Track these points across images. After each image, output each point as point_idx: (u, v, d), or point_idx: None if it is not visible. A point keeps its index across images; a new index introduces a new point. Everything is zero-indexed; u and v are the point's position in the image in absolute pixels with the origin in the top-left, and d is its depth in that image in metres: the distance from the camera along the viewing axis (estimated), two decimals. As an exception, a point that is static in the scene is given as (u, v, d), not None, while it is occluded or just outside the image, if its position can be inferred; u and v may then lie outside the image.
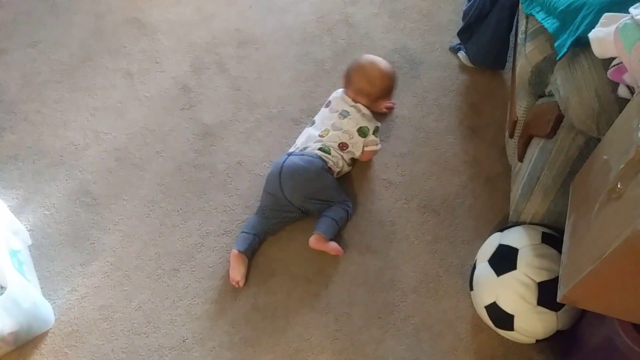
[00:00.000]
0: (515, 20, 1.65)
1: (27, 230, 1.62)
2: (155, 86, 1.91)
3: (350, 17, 2.02)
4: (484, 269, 1.33)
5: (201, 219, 1.64)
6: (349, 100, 1.65)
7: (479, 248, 1.42)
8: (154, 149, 1.78)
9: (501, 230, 1.41)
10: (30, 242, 1.61)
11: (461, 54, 1.86)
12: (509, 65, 1.82)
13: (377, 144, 1.66)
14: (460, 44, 1.86)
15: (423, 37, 1.95)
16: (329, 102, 1.69)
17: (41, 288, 1.53)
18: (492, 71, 1.84)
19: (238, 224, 1.61)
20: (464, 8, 1.79)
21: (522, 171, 1.41)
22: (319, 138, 1.61)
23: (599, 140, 1.07)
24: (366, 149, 1.64)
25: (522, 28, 1.40)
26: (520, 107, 1.44)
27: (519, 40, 1.42)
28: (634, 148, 0.79)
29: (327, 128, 1.62)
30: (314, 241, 1.50)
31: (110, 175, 1.74)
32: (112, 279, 1.55)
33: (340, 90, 1.71)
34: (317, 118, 1.67)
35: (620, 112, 0.97)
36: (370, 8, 2.04)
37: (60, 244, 1.62)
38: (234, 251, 1.51)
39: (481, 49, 1.75)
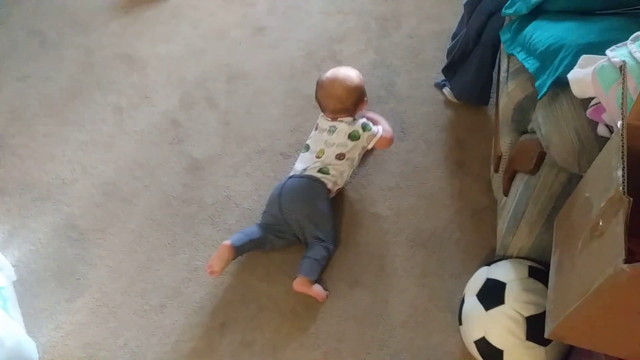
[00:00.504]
0: (497, 58, 1.70)
1: (12, 266, 1.60)
2: (144, 120, 1.93)
3: (338, 54, 2.06)
4: (472, 304, 1.34)
5: (189, 254, 1.63)
6: (330, 119, 1.68)
7: (467, 282, 1.43)
8: (142, 183, 1.78)
9: (488, 264, 1.42)
10: (15, 278, 1.59)
11: (446, 90, 1.91)
12: (492, 100, 1.86)
13: (375, 134, 1.67)
14: (445, 80, 1.91)
15: (409, 74, 1.99)
16: (317, 124, 1.71)
17: (25, 325, 1.50)
18: (477, 107, 1.88)
19: (226, 259, 1.61)
20: (448, 46, 1.84)
21: (508, 205, 1.43)
22: (316, 159, 1.64)
23: (581, 176, 1.10)
24: (369, 145, 1.68)
25: (504, 67, 1.45)
26: (504, 143, 1.47)
27: (501, 79, 1.46)
28: (614, 187, 0.82)
29: (322, 148, 1.65)
30: (298, 284, 1.50)
31: (98, 209, 1.73)
32: (97, 316, 1.53)
33: (322, 115, 1.73)
34: (310, 142, 1.70)
35: (600, 151, 0.99)
36: (357, 45, 2.09)
37: (45, 279, 1.60)
38: (226, 242, 1.50)
39: (465, 86, 1.79)
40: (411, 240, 1.63)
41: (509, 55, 1.41)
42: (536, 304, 1.24)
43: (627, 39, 1.03)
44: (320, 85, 1.68)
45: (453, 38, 1.80)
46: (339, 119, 1.66)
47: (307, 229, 1.56)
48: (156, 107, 1.96)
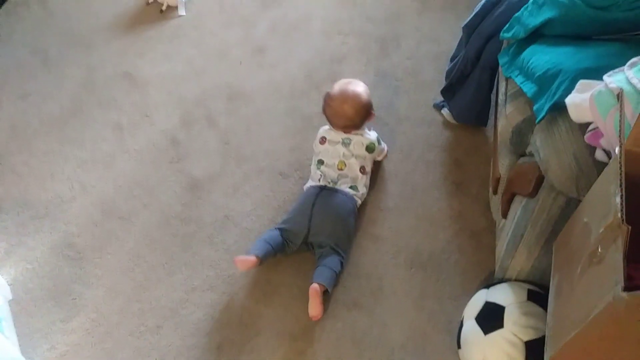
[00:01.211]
0: (496, 80, 1.71)
1: (8, 285, 1.59)
2: (144, 139, 1.93)
3: (338, 74, 2.07)
4: (471, 327, 1.33)
5: (186, 274, 1.62)
6: (341, 132, 1.70)
7: (465, 304, 1.42)
8: (141, 201, 1.78)
9: (487, 286, 1.41)
10: (10, 297, 1.58)
11: (445, 111, 1.92)
12: (491, 122, 1.87)
13: (384, 149, 1.78)
14: (443, 101, 1.92)
15: (408, 95, 2.00)
16: (324, 138, 1.72)
17: (20, 345, 1.49)
18: (475, 128, 1.89)
19: (224, 279, 1.60)
20: (446, 68, 1.85)
21: (507, 228, 1.43)
22: (340, 172, 1.67)
23: (579, 201, 1.10)
24: (378, 158, 1.77)
25: (502, 89, 1.46)
26: (503, 165, 1.47)
27: (499, 101, 1.47)
28: (612, 213, 0.82)
29: (341, 159, 1.67)
30: (316, 290, 1.48)
31: (96, 228, 1.72)
32: (93, 336, 1.52)
33: (327, 126, 1.75)
34: (322, 157, 1.70)
35: (598, 175, 0.99)
36: (357, 66, 2.10)
37: (41, 299, 1.58)
38: (252, 258, 1.51)
39: (464, 107, 1.80)
40: (410, 261, 1.62)
41: (507, 78, 1.42)
42: (535, 328, 1.23)
43: (624, 64, 1.04)
44: (328, 104, 1.70)
45: (452, 60, 1.82)
46: (353, 132, 1.70)
47: (327, 242, 1.56)
48: (156, 125, 1.97)
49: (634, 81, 0.98)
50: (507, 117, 1.35)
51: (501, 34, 1.45)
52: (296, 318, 1.52)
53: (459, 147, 1.86)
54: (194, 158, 1.88)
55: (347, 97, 1.67)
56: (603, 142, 1.03)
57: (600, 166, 1.02)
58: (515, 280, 1.40)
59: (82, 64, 2.18)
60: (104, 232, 1.71)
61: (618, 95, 0.95)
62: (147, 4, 2.38)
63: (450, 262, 1.62)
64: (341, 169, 1.66)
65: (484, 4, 1.59)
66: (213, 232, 1.70)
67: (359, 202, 1.67)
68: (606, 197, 0.88)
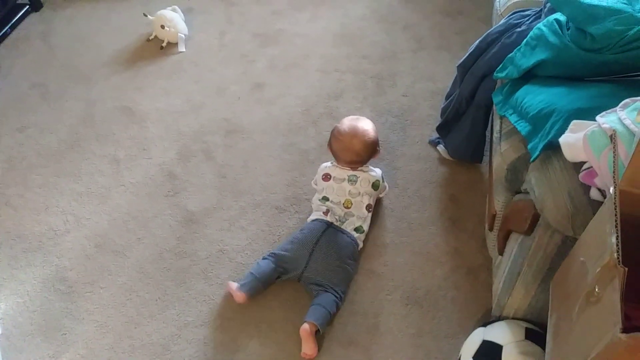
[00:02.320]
0: (490, 118, 1.73)
1: (-3, 319, 1.57)
2: (141, 173, 1.93)
3: (334, 110, 2.11)
4: (468, 367, 1.30)
5: (179, 309, 1.60)
6: (347, 168, 1.70)
7: (462, 342, 1.40)
8: (135, 235, 1.76)
9: (484, 324, 1.40)
10: (0, 332, 1.54)
11: (440, 148, 1.94)
12: (486, 159, 1.89)
13: (386, 187, 1.80)
14: (439, 138, 1.94)
15: (404, 131, 2.03)
16: (327, 175, 1.71)
17: (6, 383, 1.45)
18: (471, 164, 1.91)
19: (218, 315, 1.58)
20: (442, 105, 1.88)
21: (503, 265, 1.42)
22: (346, 210, 1.66)
23: (575, 239, 1.10)
24: (381, 195, 1.79)
25: (496, 127, 1.48)
26: (498, 202, 1.48)
27: (494, 139, 1.49)
28: (608, 253, 0.82)
29: (347, 198, 1.67)
30: (306, 330, 1.46)
31: (89, 261, 1.71)
32: (82, 374, 1.48)
33: (329, 163, 1.75)
34: (327, 194, 1.69)
35: (594, 213, 1.00)
36: (354, 102, 2.14)
37: (30, 334, 1.55)
38: (241, 295, 1.54)
39: (459, 144, 1.82)
40: (406, 298, 1.61)
41: (502, 117, 1.44)
42: (534, 369, 1.22)
43: (616, 105, 1.06)
44: (337, 138, 1.70)
45: (447, 98, 1.85)
46: (357, 169, 1.71)
47: (323, 281, 1.55)
48: (153, 159, 1.98)
49: (627, 122, 0.99)
50: (502, 154, 1.36)
51: (495, 73, 1.48)
52: (290, 356, 1.49)
53: (454, 183, 1.87)
54: (190, 192, 1.88)
55: (356, 132, 1.69)
56: (597, 181, 1.04)
57: (596, 205, 1.03)
58: (513, 318, 1.38)
59: (81, 98, 2.20)
60: (96, 266, 1.69)
61: (611, 136, 0.96)
62: (148, 40, 2.43)
63: (447, 299, 1.60)
64: (347, 207, 1.66)
65: (478, 45, 1.63)
66: (207, 267, 1.68)
67: (361, 244, 1.67)
68: (602, 236, 0.88)
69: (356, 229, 1.65)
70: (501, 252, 1.45)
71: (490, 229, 1.57)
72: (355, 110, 2.10)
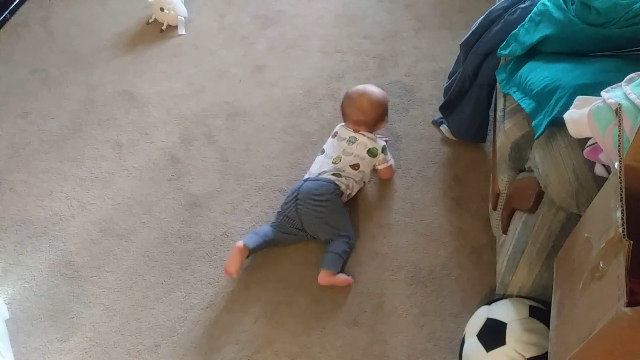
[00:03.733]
0: (494, 96, 1.72)
1: (6, 304, 1.58)
2: (143, 157, 1.93)
3: (336, 92, 2.09)
4: (472, 344, 1.31)
5: (185, 292, 1.61)
6: (351, 130, 1.76)
7: (467, 321, 1.41)
8: (139, 219, 1.77)
9: (488, 303, 1.40)
10: (7, 316, 1.56)
11: (443, 128, 1.92)
12: (489, 138, 1.88)
13: (387, 161, 1.79)
14: (442, 118, 1.92)
15: (406, 111, 2.01)
16: (335, 132, 1.79)
17: (15, 366, 1.47)
18: (474, 144, 1.90)
19: (223, 297, 1.59)
20: (444, 84, 1.87)
21: (507, 244, 1.42)
22: (332, 165, 1.71)
23: (580, 215, 1.09)
24: (379, 167, 1.78)
25: (500, 106, 1.46)
26: (502, 181, 1.47)
27: (498, 117, 1.48)
28: (614, 228, 0.81)
29: (339, 155, 1.72)
30: (323, 277, 1.55)
31: (94, 246, 1.71)
32: (90, 356, 1.50)
33: (342, 125, 1.81)
34: (326, 147, 1.78)
35: (598, 190, 0.99)
36: (355, 83, 2.11)
37: (38, 318, 1.57)
38: (239, 243, 1.56)
39: (462, 124, 1.81)
40: (410, 278, 1.61)
41: (505, 95, 1.43)
42: (538, 345, 1.22)
43: (621, 80, 1.05)
44: (348, 96, 1.78)
45: (450, 77, 1.83)
46: (360, 132, 1.75)
47: (324, 230, 1.62)
48: (155, 143, 1.97)
49: (632, 97, 0.98)
50: (505, 133, 1.35)
51: (498, 51, 1.46)
52: (295, 336, 1.50)
53: (458, 163, 1.86)
54: (193, 175, 1.88)
55: (365, 91, 1.77)
56: (602, 157, 1.03)
57: (600, 181, 1.02)
58: (517, 296, 1.39)
59: (82, 83, 2.19)
60: (102, 251, 1.70)
61: (616, 110, 0.95)
62: (148, 23, 2.40)
63: (450, 278, 1.61)
64: (335, 163, 1.71)
65: (481, 22, 1.61)
66: (212, 250, 1.69)
67: (342, 187, 1.68)
68: (606, 212, 0.87)
69: (333, 174, 1.69)
70: (505, 231, 1.45)
71: (494, 208, 1.56)
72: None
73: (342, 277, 1.57)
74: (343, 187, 1.69)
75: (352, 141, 1.74)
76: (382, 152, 1.76)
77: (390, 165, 1.80)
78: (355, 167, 1.71)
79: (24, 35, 2.40)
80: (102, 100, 2.12)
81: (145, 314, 1.57)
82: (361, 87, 1.80)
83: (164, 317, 1.56)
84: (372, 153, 1.74)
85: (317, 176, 1.70)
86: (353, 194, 1.74)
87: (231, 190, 1.83)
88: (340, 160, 1.71)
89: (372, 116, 1.74)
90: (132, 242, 1.72)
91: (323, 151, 1.77)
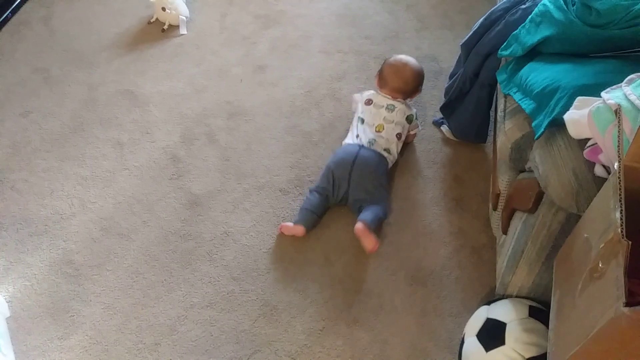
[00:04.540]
0: (494, 97, 1.72)
1: (6, 302, 1.58)
2: (144, 156, 1.94)
3: (337, 92, 2.09)
4: (472, 344, 1.32)
5: (185, 290, 1.61)
6: (389, 97, 1.83)
7: (466, 321, 1.41)
8: (140, 218, 1.77)
9: (488, 303, 1.40)
10: (8, 314, 1.56)
11: (444, 128, 1.93)
12: (490, 138, 1.88)
13: (418, 126, 1.90)
14: (443, 118, 1.93)
15: (407, 111, 2.01)
16: (370, 100, 1.83)
17: (16, 364, 1.47)
18: (475, 144, 1.90)
19: (223, 296, 1.59)
20: (445, 85, 1.87)
21: (507, 244, 1.42)
22: (377, 133, 1.77)
23: (579, 216, 1.10)
24: (411, 132, 1.87)
25: (501, 106, 1.47)
26: (502, 181, 1.48)
27: (498, 118, 1.48)
28: (613, 229, 0.82)
29: (380, 123, 1.78)
30: (360, 228, 1.59)
31: (95, 244, 1.72)
32: (90, 354, 1.50)
33: (372, 91, 1.87)
34: (364, 116, 1.81)
35: (598, 191, 1.00)
36: (356, 83, 2.12)
37: (39, 316, 1.57)
38: (301, 228, 1.65)
39: (463, 124, 1.81)
40: (410, 277, 1.62)
41: (506, 95, 1.43)
42: (537, 345, 1.22)
43: (622, 81, 1.05)
44: (390, 64, 1.84)
45: (450, 77, 1.83)
46: (397, 99, 1.82)
47: (365, 200, 1.67)
48: (157, 142, 1.98)
49: (632, 97, 0.99)
50: (506, 133, 1.36)
51: (499, 51, 1.47)
52: (294, 336, 1.51)
53: (458, 163, 1.87)
54: (194, 175, 1.88)
55: (409, 61, 1.85)
56: (602, 157, 1.03)
57: (600, 182, 1.02)
58: (517, 296, 1.39)
59: (83, 82, 2.19)
60: (102, 249, 1.71)
61: (616, 111, 0.96)
62: (149, 23, 2.41)
63: (450, 278, 1.61)
64: (379, 131, 1.77)
65: (482, 23, 1.61)
66: (212, 249, 1.69)
67: (390, 163, 1.78)
68: (606, 212, 0.88)
69: (385, 149, 1.76)
70: (505, 231, 1.46)
71: (495, 209, 1.57)
72: (358, 91, 2.08)
73: (374, 238, 1.60)
74: (390, 163, 1.78)
75: (390, 109, 1.80)
76: (416, 118, 1.86)
77: (417, 130, 1.90)
78: (399, 136, 1.79)
79: (26, 34, 2.40)
80: (104, 100, 2.12)
81: (146, 313, 1.57)
82: (403, 57, 1.86)
83: (164, 316, 1.56)
84: (409, 119, 1.82)
85: (369, 146, 1.74)
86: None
87: (232, 189, 1.83)
88: (384, 129, 1.77)
89: (412, 86, 1.83)
90: (132, 240, 1.72)
91: (362, 120, 1.80)
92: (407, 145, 1.91)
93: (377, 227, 1.65)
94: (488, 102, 1.71)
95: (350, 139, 1.79)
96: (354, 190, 1.68)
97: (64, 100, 2.13)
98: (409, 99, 1.87)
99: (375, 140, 1.76)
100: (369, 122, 1.79)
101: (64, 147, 1.98)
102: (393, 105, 1.80)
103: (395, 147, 1.78)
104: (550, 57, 1.33)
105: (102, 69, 2.24)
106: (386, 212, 1.69)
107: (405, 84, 1.82)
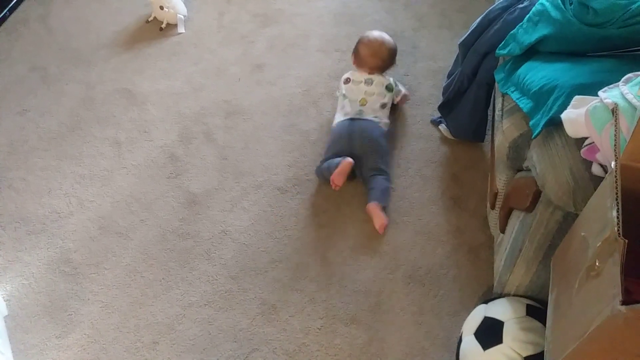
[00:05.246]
0: (492, 96, 1.72)
1: (4, 300, 1.58)
2: (142, 155, 1.93)
3: (335, 91, 2.09)
4: (470, 343, 1.32)
5: (183, 289, 1.61)
6: (365, 73, 1.93)
7: (464, 320, 1.41)
8: (138, 217, 1.77)
9: (486, 301, 1.41)
10: (6, 313, 1.56)
11: (442, 127, 1.93)
12: (488, 137, 1.88)
13: (401, 91, 1.98)
14: (441, 117, 1.93)
15: (405, 110, 2.02)
16: (348, 78, 1.93)
17: (14, 363, 1.47)
18: (472, 143, 1.90)
19: (221, 294, 1.59)
20: (443, 84, 1.87)
21: (504, 243, 1.43)
22: (360, 107, 1.86)
23: (576, 215, 1.10)
24: (397, 99, 1.96)
25: (498, 105, 1.47)
26: (500, 180, 1.48)
27: (496, 117, 1.48)
28: (609, 227, 0.82)
29: (363, 97, 1.88)
30: (372, 207, 1.69)
31: (93, 243, 1.72)
32: (88, 353, 1.50)
33: (349, 72, 1.96)
34: (346, 93, 1.91)
35: (595, 189, 1.00)
36: (355, 82, 2.12)
37: (36, 314, 1.57)
38: (348, 160, 1.72)
39: (461, 123, 1.81)
40: (408, 276, 1.62)
41: (503, 94, 1.43)
42: (534, 344, 1.23)
43: (619, 80, 1.05)
44: (366, 44, 1.94)
45: (449, 76, 1.83)
46: (374, 74, 1.92)
47: (372, 160, 1.77)
48: (154, 141, 1.97)
49: (629, 96, 0.99)
50: (503, 132, 1.36)
51: (497, 50, 1.47)
52: (293, 335, 1.51)
53: (456, 162, 1.87)
54: (192, 173, 1.88)
55: (384, 40, 1.95)
56: (599, 156, 1.03)
57: (597, 180, 1.03)
58: (514, 295, 1.39)
59: (81, 80, 2.19)
60: (100, 248, 1.70)
61: (613, 110, 0.96)
62: (147, 21, 2.41)
63: (448, 277, 1.61)
64: (363, 105, 1.86)
65: (480, 22, 1.61)
66: (210, 247, 1.69)
67: (385, 128, 1.86)
68: (603, 211, 0.88)
69: (374, 117, 1.85)
70: (503, 230, 1.46)
71: (492, 207, 1.57)
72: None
73: (384, 216, 1.69)
74: (385, 129, 1.86)
75: (368, 82, 1.89)
76: (396, 85, 1.94)
77: (404, 93, 1.98)
78: (383, 106, 1.88)
79: (23, 32, 2.40)
80: (101, 98, 2.12)
81: (144, 311, 1.57)
82: (377, 35, 1.95)
83: (162, 315, 1.56)
84: (389, 89, 1.91)
85: (360, 116, 1.83)
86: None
87: (230, 188, 1.84)
88: (367, 103, 1.86)
89: (388, 62, 1.95)
90: (130, 239, 1.72)
91: (345, 96, 1.90)
92: (403, 122, 2.00)
93: (388, 200, 1.75)
94: (486, 101, 1.71)
95: (339, 117, 1.87)
96: (359, 158, 1.76)
97: (62, 98, 2.13)
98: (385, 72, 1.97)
99: (362, 111, 1.85)
100: (352, 98, 1.88)
101: (61, 146, 1.97)
102: (371, 80, 1.90)
103: (382, 114, 1.87)
104: (548, 56, 1.33)
105: (100, 68, 2.24)
106: (389, 180, 1.79)
107: (383, 62, 1.93)
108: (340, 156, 1.76)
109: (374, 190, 1.73)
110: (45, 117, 2.07)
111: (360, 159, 1.77)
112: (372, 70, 1.93)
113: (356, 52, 1.96)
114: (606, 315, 0.76)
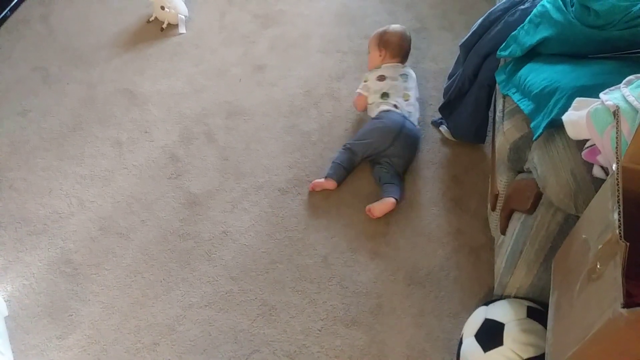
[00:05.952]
0: (493, 97, 1.72)
1: (5, 301, 1.58)
2: (143, 155, 1.94)
3: (336, 92, 2.09)
4: (470, 345, 1.32)
5: (184, 290, 1.61)
6: (399, 65, 1.95)
7: (465, 321, 1.41)
8: (139, 217, 1.77)
9: (486, 303, 1.41)
10: (6, 313, 1.56)
11: (443, 128, 1.93)
12: (488, 139, 1.88)
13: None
14: (441, 118, 1.93)
15: (406, 111, 2.01)
16: (382, 76, 1.92)
17: (14, 363, 1.47)
18: (473, 145, 1.90)
19: (221, 295, 1.59)
20: (444, 85, 1.87)
21: (505, 244, 1.43)
22: (406, 102, 1.88)
23: (577, 217, 1.10)
24: None
25: (499, 107, 1.47)
26: (501, 182, 1.48)
27: (497, 118, 1.48)
28: (611, 230, 0.82)
29: (406, 93, 1.89)
30: (393, 202, 1.71)
31: (93, 244, 1.72)
32: (89, 354, 1.50)
33: (375, 70, 1.96)
34: (388, 91, 1.88)
35: (596, 192, 1.00)
36: (355, 83, 2.11)
37: (37, 315, 1.57)
38: (332, 182, 1.77)
39: (462, 124, 1.81)
40: (409, 278, 1.62)
41: (504, 96, 1.43)
42: (535, 346, 1.23)
43: (620, 82, 1.05)
44: (392, 33, 1.97)
45: (449, 78, 1.83)
46: (405, 65, 1.98)
47: (401, 165, 1.80)
48: (155, 142, 1.97)
49: (630, 99, 0.99)
50: (504, 134, 1.36)
51: (498, 52, 1.47)
52: (293, 336, 1.51)
53: (457, 163, 1.87)
54: (192, 174, 1.88)
55: (406, 33, 2.00)
56: (600, 158, 1.03)
57: (598, 183, 1.03)
58: (515, 297, 1.39)
59: (82, 81, 2.19)
60: (101, 248, 1.70)
61: (614, 112, 0.96)
62: (148, 22, 2.41)
63: (449, 278, 1.61)
64: (407, 100, 1.88)
65: (481, 23, 1.61)
66: (211, 248, 1.69)
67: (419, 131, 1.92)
68: (604, 213, 0.88)
69: (417, 121, 1.89)
70: (503, 232, 1.46)
71: (493, 209, 1.57)
72: (355, 92, 2.09)
73: (389, 207, 1.72)
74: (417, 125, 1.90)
75: (405, 78, 1.92)
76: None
77: None
78: (417, 100, 1.93)
79: (25, 32, 2.40)
80: (102, 98, 2.12)
81: (144, 312, 1.57)
82: (398, 27, 2.00)
83: (163, 316, 1.56)
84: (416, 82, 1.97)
85: (412, 119, 1.85)
86: None
87: (230, 189, 1.83)
88: (409, 98, 1.88)
89: (406, 48, 1.99)
90: (131, 240, 1.72)
91: (387, 95, 1.87)
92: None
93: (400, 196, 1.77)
94: (487, 102, 1.71)
95: (385, 107, 1.85)
96: (389, 154, 1.78)
97: (63, 99, 2.13)
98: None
99: (410, 112, 1.86)
100: (396, 95, 1.87)
101: (62, 146, 1.97)
102: (406, 75, 1.93)
103: (417, 109, 1.90)
104: (549, 58, 1.33)
105: (101, 68, 2.24)
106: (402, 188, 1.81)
107: (409, 46, 1.99)
108: (373, 147, 1.78)
109: (392, 188, 1.75)
110: (47, 117, 2.07)
111: (389, 156, 1.78)
112: (403, 60, 1.97)
113: (385, 45, 1.95)
114: (607, 317, 0.76)
